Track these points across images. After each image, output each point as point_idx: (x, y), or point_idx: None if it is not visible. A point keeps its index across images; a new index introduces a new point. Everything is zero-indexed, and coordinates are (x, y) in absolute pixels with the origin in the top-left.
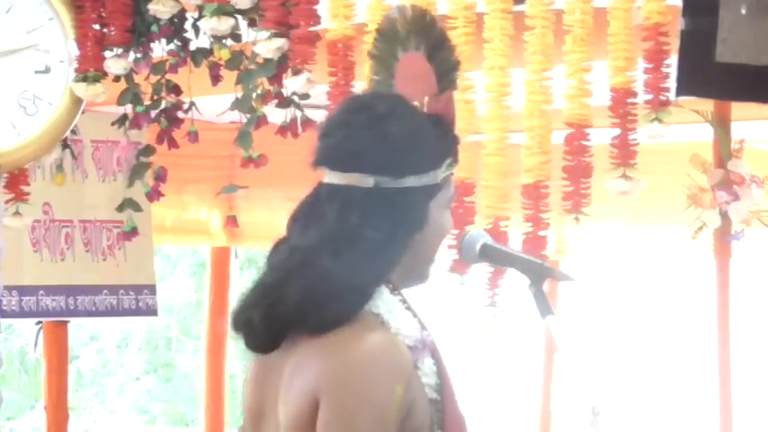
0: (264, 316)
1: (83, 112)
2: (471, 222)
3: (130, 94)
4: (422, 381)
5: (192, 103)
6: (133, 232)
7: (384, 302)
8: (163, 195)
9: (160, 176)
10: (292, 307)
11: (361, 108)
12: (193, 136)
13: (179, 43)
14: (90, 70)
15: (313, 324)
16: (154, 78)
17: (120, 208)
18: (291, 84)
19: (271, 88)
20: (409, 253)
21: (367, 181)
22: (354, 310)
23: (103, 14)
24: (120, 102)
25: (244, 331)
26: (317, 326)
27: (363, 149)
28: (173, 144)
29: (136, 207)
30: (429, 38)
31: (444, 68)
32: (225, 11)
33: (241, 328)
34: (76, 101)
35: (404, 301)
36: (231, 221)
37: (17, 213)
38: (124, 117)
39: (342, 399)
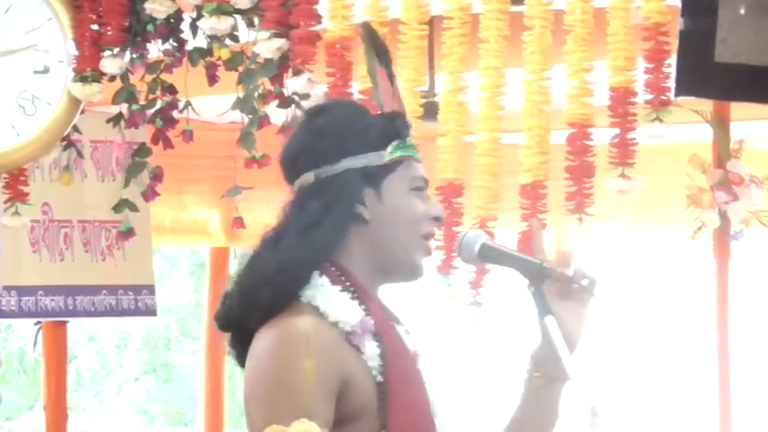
0: (226, 328)
1: (82, 112)
2: (459, 223)
3: (125, 93)
4: (367, 364)
5: (188, 103)
6: (130, 232)
7: (322, 293)
8: (158, 195)
9: (156, 176)
10: (236, 306)
11: (300, 118)
12: (188, 135)
13: (175, 44)
14: (87, 70)
15: (254, 318)
16: (149, 78)
17: (117, 208)
18: (292, 84)
19: (272, 88)
20: (370, 239)
21: (309, 177)
22: (286, 290)
23: (101, 14)
24: (115, 101)
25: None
26: (258, 318)
27: (299, 150)
28: (168, 144)
29: (132, 207)
30: (376, 49)
31: (386, 65)
32: (224, 10)
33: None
34: (75, 101)
35: (350, 291)
36: (238, 223)
37: (16, 213)
38: (119, 116)
39: (257, 394)
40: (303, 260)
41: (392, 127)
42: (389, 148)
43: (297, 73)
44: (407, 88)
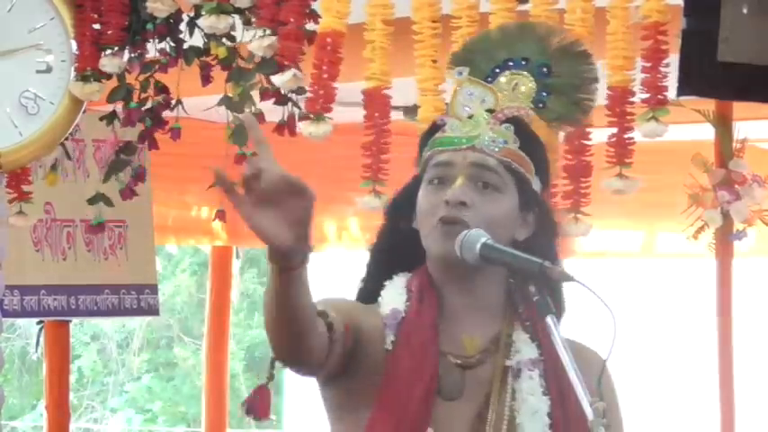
0: None
1: (84, 112)
2: None
3: (122, 92)
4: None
5: (179, 101)
6: (100, 227)
7: (387, 289)
8: (136, 194)
9: (138, 175)
10: None
11: None
12: (176, 133)
13: (172, 44)
14: (87, 69)
15: None
16: (142, 77)
17: (92, 201)
18: (277, 80)
19: (269, 86)
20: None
21: None
22: (362, 299)
23: (103, 13)
24: (111, 99)
25: None
26: None
27: None
28: (153, 145)
29: (107, 202)
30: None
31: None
32: (224, 9)
33: None
34: (78, 100)
35: (408, 288)
36: (220, 216)
37: (20, 213)
38: (113, 114)
39: None
40: (370, 274)
41: (426, 133)
42: (422, 153)
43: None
44: (428, 87)
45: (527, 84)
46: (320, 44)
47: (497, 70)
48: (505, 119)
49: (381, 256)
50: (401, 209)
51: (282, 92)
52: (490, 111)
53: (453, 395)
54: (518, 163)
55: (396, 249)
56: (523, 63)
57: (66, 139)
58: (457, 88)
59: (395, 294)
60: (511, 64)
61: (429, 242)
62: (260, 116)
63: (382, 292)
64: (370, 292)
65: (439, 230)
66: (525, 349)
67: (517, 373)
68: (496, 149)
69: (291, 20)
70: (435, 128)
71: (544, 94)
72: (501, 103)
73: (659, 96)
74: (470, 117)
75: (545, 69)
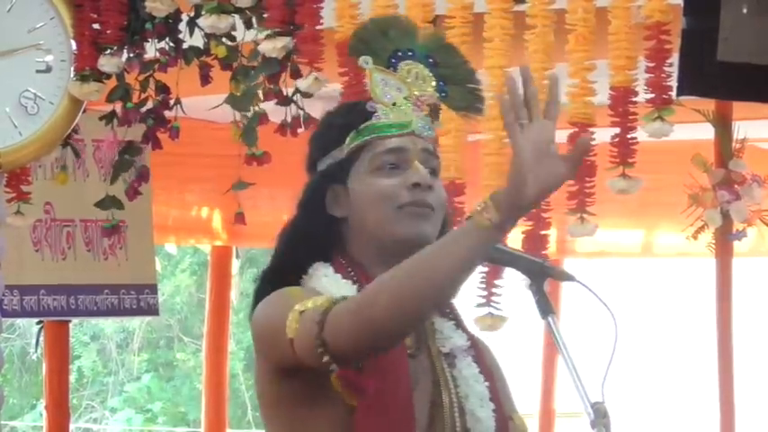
0: None
1: (84, 112)
2: (461, 223)
3: (121, 91)
4: None
5: (178, 100)
6: (115, 229)
7: (323, 281)
8: (140, 194)
9: (142, 175)
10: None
11: None
12: (175, 132)
13: (171, 43)
14: (86, 69)
15: None
16: (142, 77)
17: (101, 205)
18: (301, 84)
19: (271, 87)
20: (356, 230)
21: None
22: (262, 287)
23: (101, 13)
24: (110, 98)
25: None
26: None
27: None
28: (156, 144)
29: (118, 204)
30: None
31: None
32: (225, 9)
33: None
34: (77, 100)
35: (352, 278)
36: (239, 219)
37: (19, 213)
38: (112, 114)
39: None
40: (279, 269)
41: (349, 118)
42: (348, 140)
43: (296, 71)
44: None
45: (424, 73)
46: (342, 51)
47: (393, 60)
48: (423, 106)
49: (297, 246)
50: (318, 196)
51: (285, 93)
52: (406, 98)
53: (413, 385)
54: (436, 149)
55: (311, 238)
56: (410, 54)
57: (69, 138)
58: (369, 77)
59: (339, 285)
60: (400, 54)
61: (384, 230)
62: (264, 116)
63: (324, 283)
64: (279, 284)
65: (407, 213)
66: (455, 336)
67: (452, 361)
68: (427, 135)
69: (306, 23)
70: (362, 114)
71: (441, 83)
72: (411, 91)
73: (664, 96)
74: (394, 104)
75: (431, 60)
